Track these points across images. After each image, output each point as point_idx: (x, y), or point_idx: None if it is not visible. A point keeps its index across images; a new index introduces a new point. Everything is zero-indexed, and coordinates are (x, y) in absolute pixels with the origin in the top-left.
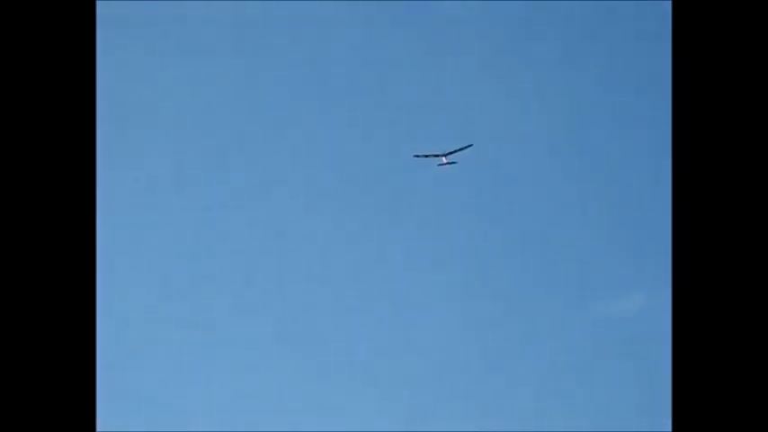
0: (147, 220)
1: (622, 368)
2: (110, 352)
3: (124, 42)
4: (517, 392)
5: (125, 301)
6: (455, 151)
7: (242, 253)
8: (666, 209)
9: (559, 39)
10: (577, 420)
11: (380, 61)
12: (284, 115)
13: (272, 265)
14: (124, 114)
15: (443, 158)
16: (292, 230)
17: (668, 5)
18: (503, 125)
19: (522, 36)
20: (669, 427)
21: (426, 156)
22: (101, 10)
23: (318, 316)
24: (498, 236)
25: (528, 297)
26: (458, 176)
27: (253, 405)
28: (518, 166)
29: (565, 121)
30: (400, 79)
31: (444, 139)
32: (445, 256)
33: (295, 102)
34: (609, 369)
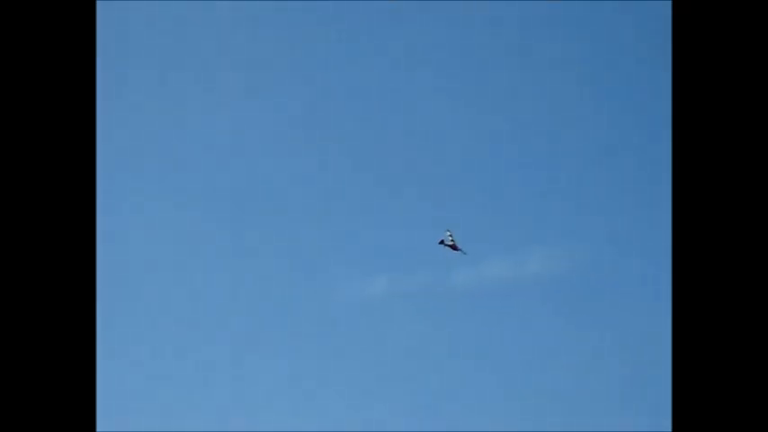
0: (146, 218)
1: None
2: (110, 352)
3: (124, 42)
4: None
5: (125, 301)
6: (455, 248)
7: (240, 251)
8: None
9: (559, 39)
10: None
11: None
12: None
13: (272, 263)
14: (124, 117)
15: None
16: (288, 230)
17: (668, 5)
18: (498, 131)
19: (522, 37)
20: (669, 427)
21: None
22: (101, 10)
23: (318, 315)
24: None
25: None
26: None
27: (253, 405)
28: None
29: (564, 122)
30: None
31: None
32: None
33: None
34: None
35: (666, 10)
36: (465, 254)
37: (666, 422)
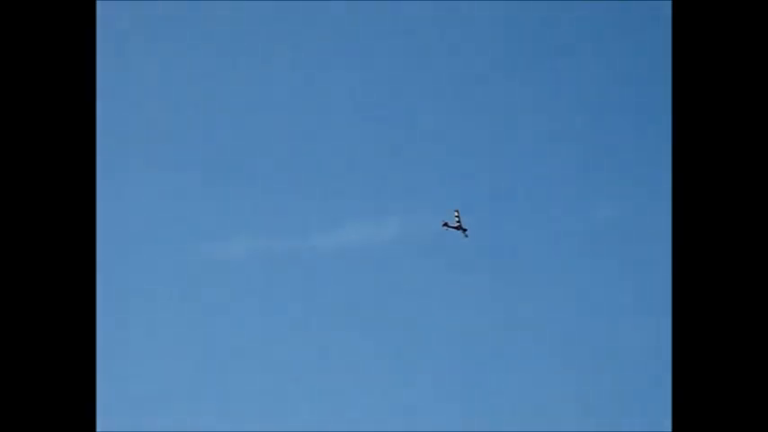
0: (144, 215)
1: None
2: (110, 352)
3: (124, 43)
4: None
5: (125, 301)
6: (459, 228)
7: (237, 247)
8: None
9: (559, 39)
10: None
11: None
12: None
13: (271, 259)
14: (123, 115)
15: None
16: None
17: (668, 5)
18: (496, 132)
19: (523, 37)
20: (669, 427)
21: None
22: (101, 10)
23: (318, 315)
24: None
25: None
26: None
27: (253, 405)
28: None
29: (564, 121)
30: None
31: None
32: None
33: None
34: None
35: (666, 10)
36: (467, 236)
37: (666, 423)
